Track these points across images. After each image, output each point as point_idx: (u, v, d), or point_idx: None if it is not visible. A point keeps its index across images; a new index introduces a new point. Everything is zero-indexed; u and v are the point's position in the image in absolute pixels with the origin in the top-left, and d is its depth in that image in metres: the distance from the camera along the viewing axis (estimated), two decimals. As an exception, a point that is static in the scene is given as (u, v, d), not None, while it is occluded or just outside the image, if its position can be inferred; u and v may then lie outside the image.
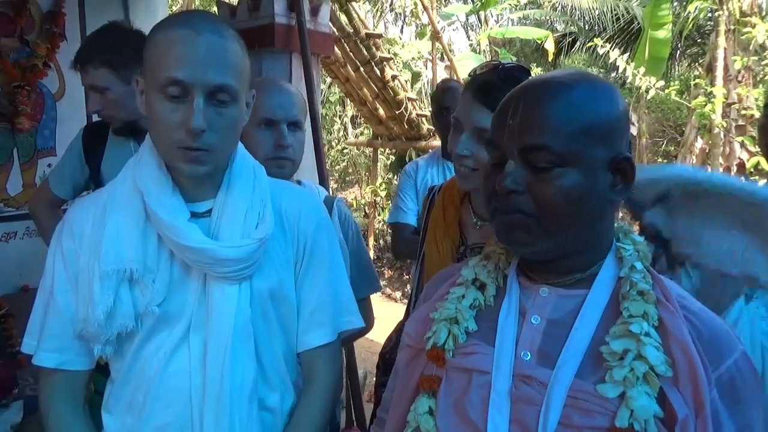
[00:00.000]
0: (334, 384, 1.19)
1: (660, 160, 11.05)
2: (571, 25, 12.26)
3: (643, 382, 0.72)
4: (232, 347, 1.02)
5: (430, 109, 4.15)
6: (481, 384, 0.83)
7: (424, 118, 6.19)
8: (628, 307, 0.78)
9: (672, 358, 0.74)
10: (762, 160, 4.87)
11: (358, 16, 5.16)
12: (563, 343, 0.80)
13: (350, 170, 10.59)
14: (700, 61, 9.34)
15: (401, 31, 13.90)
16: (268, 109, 1.49)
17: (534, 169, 0.78)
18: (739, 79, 6.00)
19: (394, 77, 5.67)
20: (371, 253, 7.52)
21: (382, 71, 5.49)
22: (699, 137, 6.79)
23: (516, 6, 11.50)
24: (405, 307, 1.74)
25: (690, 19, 7.72)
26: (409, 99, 5.98)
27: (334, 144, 10.22)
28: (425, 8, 6.84)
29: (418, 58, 9.87)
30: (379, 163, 8.10)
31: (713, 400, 0.72)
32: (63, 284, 1.07)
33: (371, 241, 7.68)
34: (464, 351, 0.87)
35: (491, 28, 11.13)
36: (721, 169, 5.96)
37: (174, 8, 10.05)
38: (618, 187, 0.81)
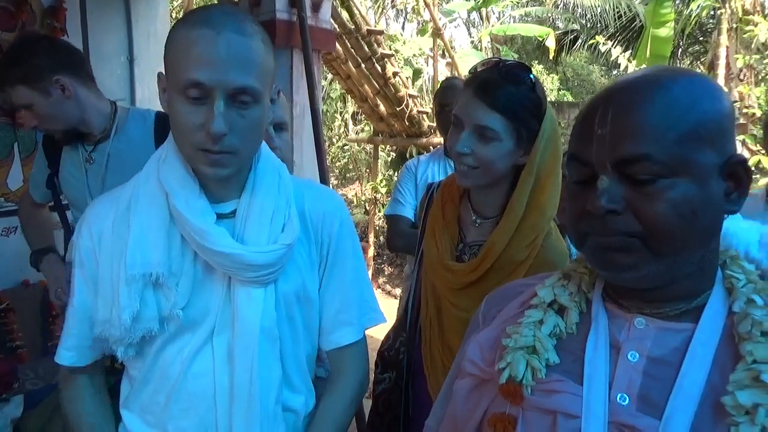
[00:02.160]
0: (359, 381, 1.18)
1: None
2: (572, 23, 12.24)
3: None
4: (259, 350, 1.01)
5: (431, 106, 4.13)
6: (568, 430, 0.70)
7: (424, 115, 6.19)
8: (752, 350, 0.65)
9: None
10: (763, 158, 4.87)
11: (360, 12, 5.15)
12: (669, 386, 0.67)
13: (351, 167, 10.58)
14: (702, 59, 9.33)
15: (402, 28, 13.89)
16: None
17: (634, 182, 0.67)
18: (741, 77, 6.00)
19: (395, 74, 5.66)
20: (371, 250, 7.52)
21: (384, 68, 5.48)
22: (700, 135, 6.75)
23: (518, 3, 11.49)
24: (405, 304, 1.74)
25: (692, 17, 7.71)
26: (410, 96, 5.97)
27: (335, 140, 10.22)
28: (426, 5, 6.82)
29: (420, 55, 9.87)
30: (379, 160, 8.09)
31: None
32: (80, 283, 1.07)
33: (371, 238, 7.68)
34: (546, 388, 0.74)
35: (493, 25, 11.11)
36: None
37: (174, 3, 10.04)
38: (733, 196, 0.69)
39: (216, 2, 3.57)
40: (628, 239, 0.67)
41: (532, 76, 1.25)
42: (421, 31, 10.64)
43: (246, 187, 1.06)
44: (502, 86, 1.23)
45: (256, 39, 0.95)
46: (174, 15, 9.64)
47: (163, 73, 0.99)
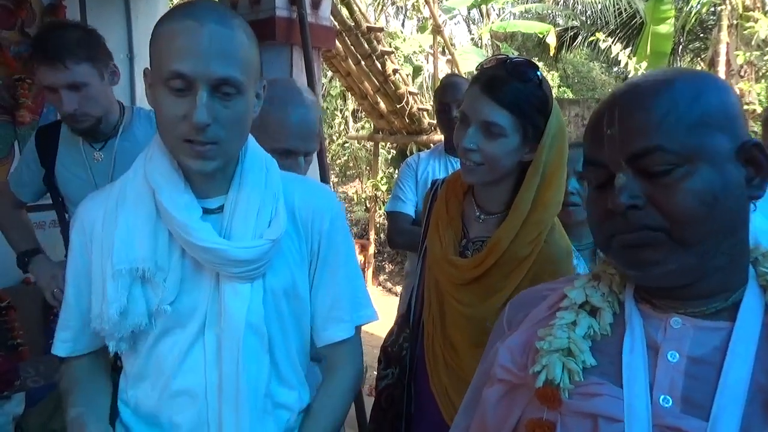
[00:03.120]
0: (353, 378, 1.19)
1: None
2: (573, 19, 12.23)
3: None
4: (244, 346, 1.01)
5: (432, 103, 4.12)
6: None
7: (425, 113, 6.18)
8: None
9: None
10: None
11: (359, 9, 5.14)
12: (713, 387, 0.65)
13: (351, 164, 10.58)
14: (703, 56, 9.32)
15: (402, 25, 13.87)
16: (289, 140, 1.43)
17: (650, 176, 0.67)
18: (742, 74, 5.98)
19: (395, 71, 5.66)
20: (372, 247, 7.52)
21: (383, 65, 5.48)
22: (701, 132, 6.75)
23: (518, 0, 11.46)
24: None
25: (692, 14, 7.71)
26: (410, 93, 5.96)
27: (335, 138, 10.21)
28: (426, 2, 6.82)
29: (420, 52, 9.85)
30: (380, 158, 8.09)
31: None
32: (73, 276, 1.09)
33: (372, 235, 7.68)
34: (585, 391, 0.71)
35: (493, 22, 11.10)
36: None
37: (175, 1, 10.02)
38: (755, 181, 0.69)
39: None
40: (652, 233, 0.67)
41: (539, 73, 1.26)
42: (421, 28, 10.62)
43: (233, 181, 1.06)
44: (509, 83, 1.23)
45: (239, 31, 0.96)
46: (173, 12, 9.59)
47: (149, 68, 1.00)
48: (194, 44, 0.91)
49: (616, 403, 0.69)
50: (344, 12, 4.91)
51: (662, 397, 0.68)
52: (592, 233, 0.76)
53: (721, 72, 5.88)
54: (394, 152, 8.13)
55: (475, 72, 1.32)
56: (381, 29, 5.62)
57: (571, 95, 11.98)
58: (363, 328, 1.23)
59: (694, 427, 0.64)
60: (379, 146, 7.86)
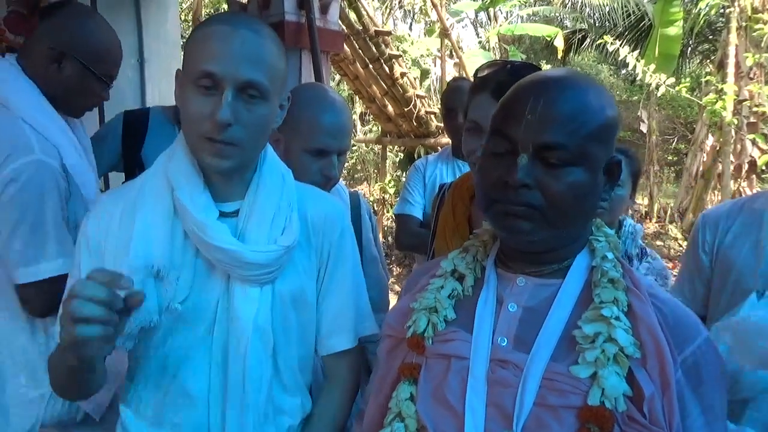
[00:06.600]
0: (353, 387, 1.20)
1: (670, 157, 10.97)
2: (580, 22, 12.20)
3: (613, 362, 0.77)
4: (251, 349, 1.03)
5: (439, 106, 4.13)
6: (459, 369, 0.85)
7: (432, 116, 6.19)
8: (600, 293, 0.82)
9: (640, 340, 0.78)
10: (773, 157, 4.83)
11: (367, 13, 5.17)
12: (539, 329, 0.83)
13: (359, 167, 10.61)
14: (712, 58, 9.27)
15: (410, 29, 13.91)
16: (322, 139, 1.45)
17: (546, 165, 0.81)
18: (751, 76, 5.95)
19: (402, 74, 5.67)
20: (380, 250, 7.51)
21: (391, 68, 5.50)
22: (710, 135, 6.76)
23: (525, 3, 11.45)
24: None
25: (701, 16, 7.66)
26: (418, 96, 5.98)
27: (342, 141, 10.22)
28: (434, 5, 6.84)
29: (427, 56, 9.87)
30: (387, 161, 8.10)
31: (678, 381, 0.77)
32: (87, 269, 1.07)
33: (380, 238, 7.68)
34: (443, 338, 0.90)
35: (500, 25, 11.09)
36: (731, 167, 5.92)
37: (183, 5, 10.09)
38: (605, 187, 0.87)
39: (225, 5, 3.60)
40: (531, 210, 0.82)
41: None
42: (429, 32, 10.63)
43: (250, 187, 1.08)
44: None
45: (269, 40, 1.01)
46: (183, 17, 9.69)
47: (181, 70, 1.04)
48: (225, 46, 0.96)
49: (465, 346, 0.87)
50: (352, 16, 4.94)
51: (500, 338, 0.85)
52: (477, 192, 0.88)
53: (730, 74, 5.85)
54: (402, 155, 8.14)
55: (473, 79, 1.31)
56: (389, 33, 5.64)
57: (579, 98, 11.92)
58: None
59: (519, 358, 0.82)
60: (387, 149, 7.87)
